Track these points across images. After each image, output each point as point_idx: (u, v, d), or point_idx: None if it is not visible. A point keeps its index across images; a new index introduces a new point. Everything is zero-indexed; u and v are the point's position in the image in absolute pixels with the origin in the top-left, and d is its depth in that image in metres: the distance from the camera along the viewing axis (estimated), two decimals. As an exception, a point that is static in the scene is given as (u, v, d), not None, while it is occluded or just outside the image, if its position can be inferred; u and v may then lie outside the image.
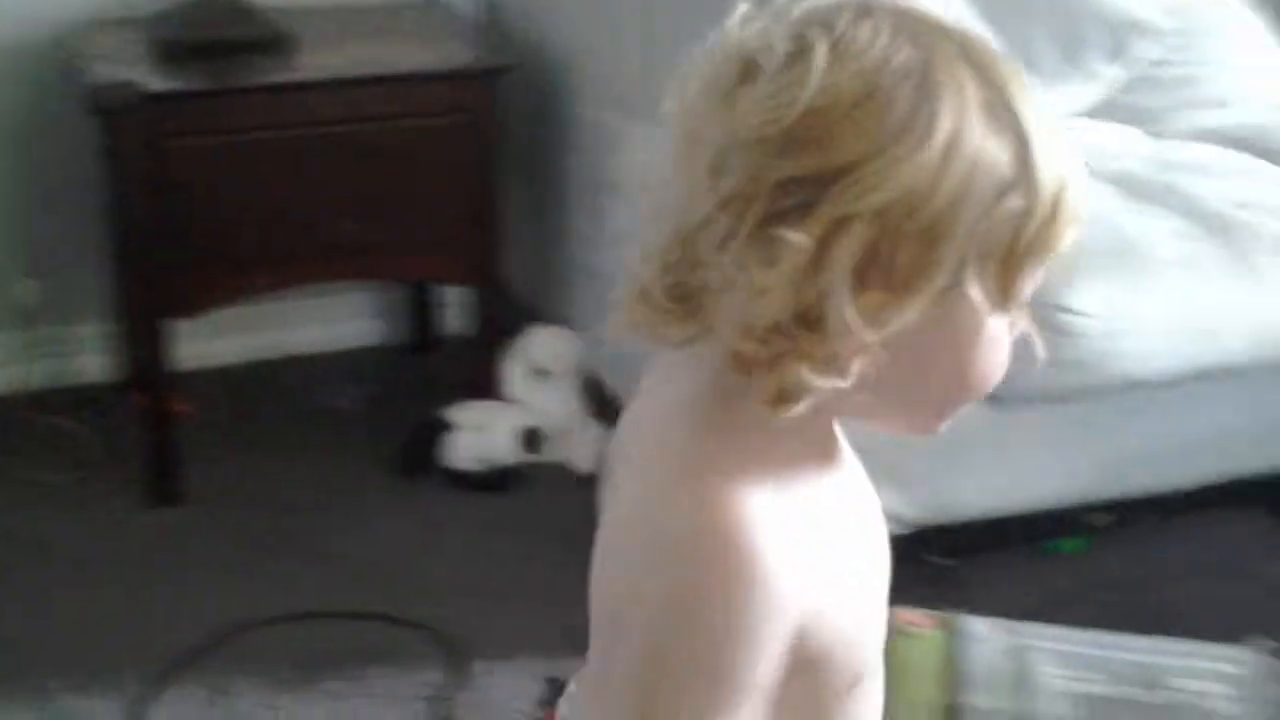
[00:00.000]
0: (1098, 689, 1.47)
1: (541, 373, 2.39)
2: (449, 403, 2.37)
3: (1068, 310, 1.84)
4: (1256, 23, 2.54)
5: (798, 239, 0.76)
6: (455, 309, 2.68)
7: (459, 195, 2.29)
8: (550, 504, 2.29)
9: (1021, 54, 2.31)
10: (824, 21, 0.79)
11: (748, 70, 0.79)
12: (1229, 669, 1.48)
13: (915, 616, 1.55)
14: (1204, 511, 2.18)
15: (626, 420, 0.95)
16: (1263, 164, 2.19)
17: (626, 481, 0.90)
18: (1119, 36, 2.35)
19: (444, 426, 2.34)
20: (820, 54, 0.77)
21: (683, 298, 0.83)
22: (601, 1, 2.29)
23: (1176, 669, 1.51)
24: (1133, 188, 2.09)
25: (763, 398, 0.80)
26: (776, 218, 0.77)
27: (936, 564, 2.05)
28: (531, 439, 2.35)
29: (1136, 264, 1.90)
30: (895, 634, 1.52)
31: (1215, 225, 1.96)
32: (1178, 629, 1.65)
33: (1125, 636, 1.58)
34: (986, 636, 1.53)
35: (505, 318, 2.47)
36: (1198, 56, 2.48)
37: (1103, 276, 1.87)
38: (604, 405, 2.38)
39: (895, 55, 0.78)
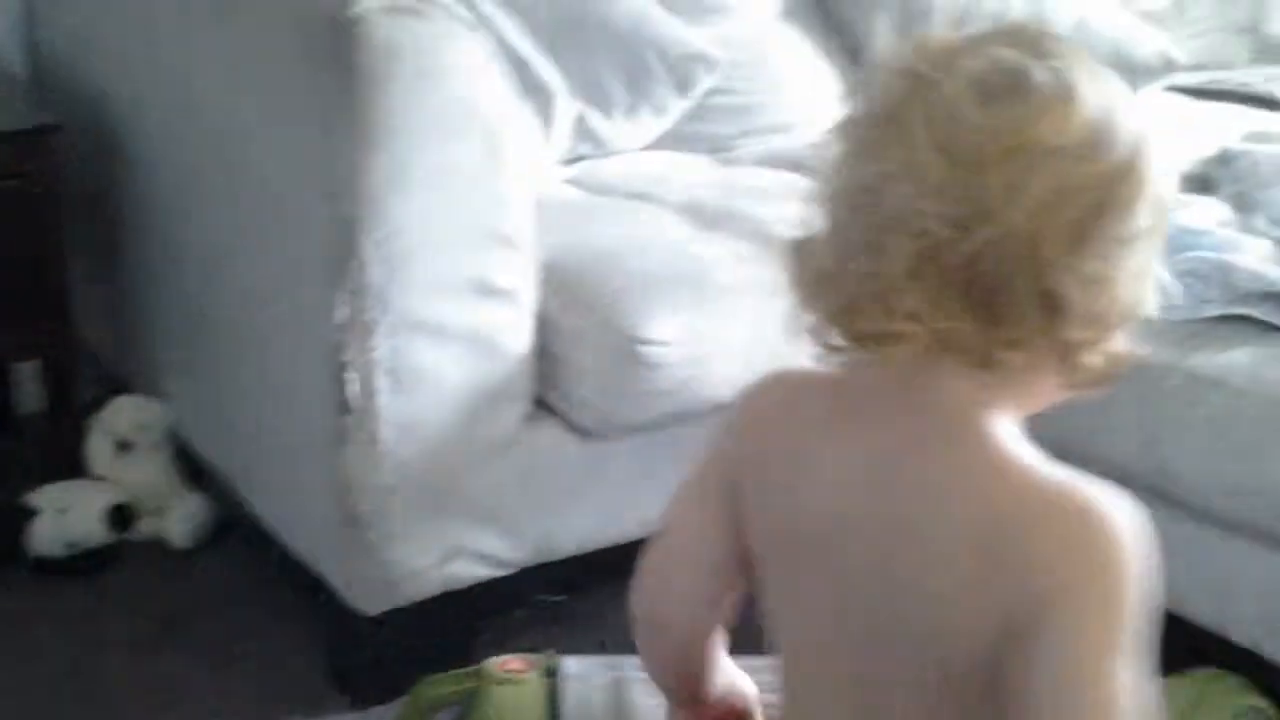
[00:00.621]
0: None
1: (127, 445, 2.28)
2: (30, 486, 2.24)
3: (647, 341, 1.87)
4: (808, 50, 2.66)
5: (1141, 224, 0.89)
6: (31, 385, 2.54)
7: (17, 264, 2.17)
8: (146, 583, 2.19)
9: (592, 89, 2.36)
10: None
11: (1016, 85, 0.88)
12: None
13: (515, 662, 1.54)
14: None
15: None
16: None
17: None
18: (685, 69, 2.42)
19: (26, 513, 2.21)
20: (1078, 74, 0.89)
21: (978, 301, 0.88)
22: (147, 54, 2.20)
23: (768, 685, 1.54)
24: (702, 215, 2.15)
25: (1085, 380, 0.91)
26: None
27: (547, 602, 2.06)
28: (120, 516, 2.24)
29: (709, 290, 1.95)
30: (495, 682, 1.51)
31: (775, 247, 2.02)
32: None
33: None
34: (585, 674, 1.54)
35: (89, 390, 2.36)
36: (761, 85, 2.58)
37: (678, 305, 1.92)
38: (197, 474, 2.29)
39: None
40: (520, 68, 2.24)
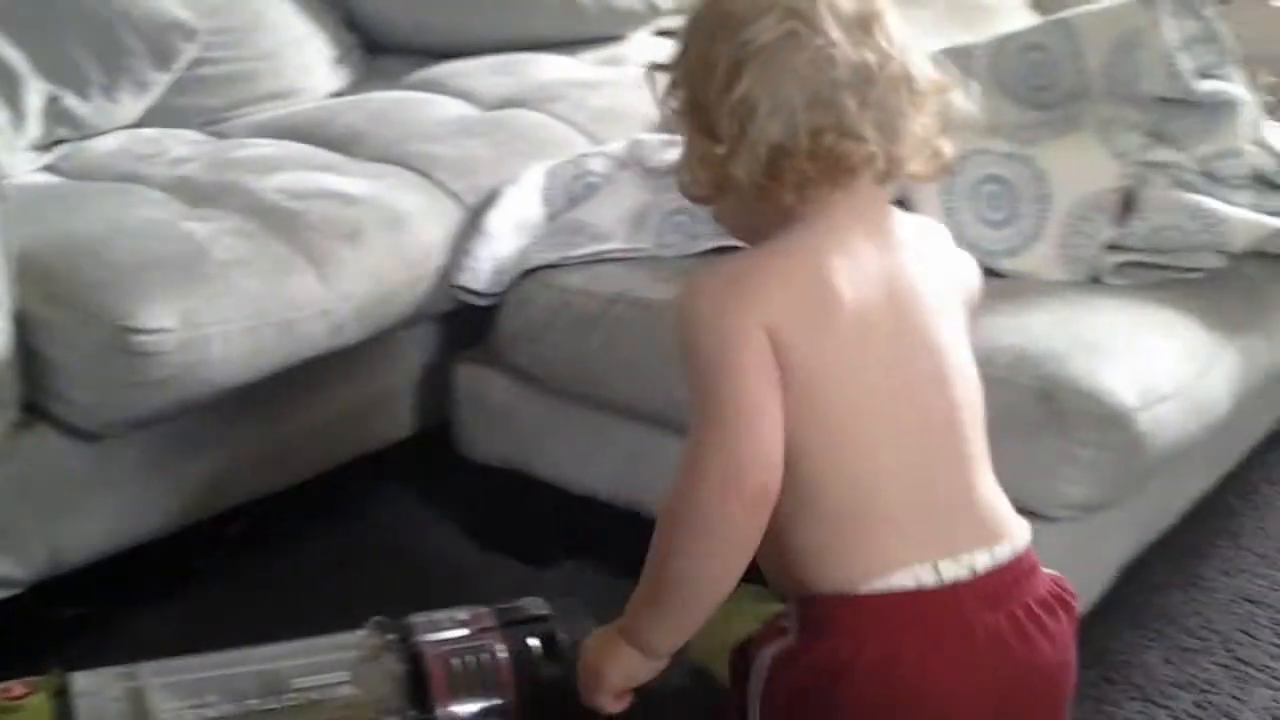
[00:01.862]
0: (215, 711, 1.43)
1: None
2: None
3: (139, 330, 1.77)
4: (297, 15, 2.59)
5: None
6: None
7: None
8: None
9: (63, 69, 2.22)
10: None
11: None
12: (349, 655, 1.48)
13: (16, 688, 1.42)
14: (341, 495, 2.20)
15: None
16: (321, 152, 2.23)
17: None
18: (162, 40, 2.31)
19: None
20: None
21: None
22: None
23: (299, 669, 1.49)
24: (194, 192, 2.05)
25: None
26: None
27: (65, 618, 1.93)
28: None
29: (205, 270, 1.86)
30: (-4, 714, 1.40)
31: (274, 220, 1.96)
32: (329, 623, 1.61)
33: (249, 650, 1.54)
34: (97, 688, 1.44)
35: None
36: (250, 54, 2.49)
37: (173, 289, 1.82)
38: None
39: None
40: (-23, 51, 2.08)
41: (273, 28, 2.55)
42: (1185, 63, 1.96)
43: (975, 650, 1.16)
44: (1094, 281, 1.90)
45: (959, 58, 2.10)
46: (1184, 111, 1.99)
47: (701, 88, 1.18)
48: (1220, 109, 1.97)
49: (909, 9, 3.35)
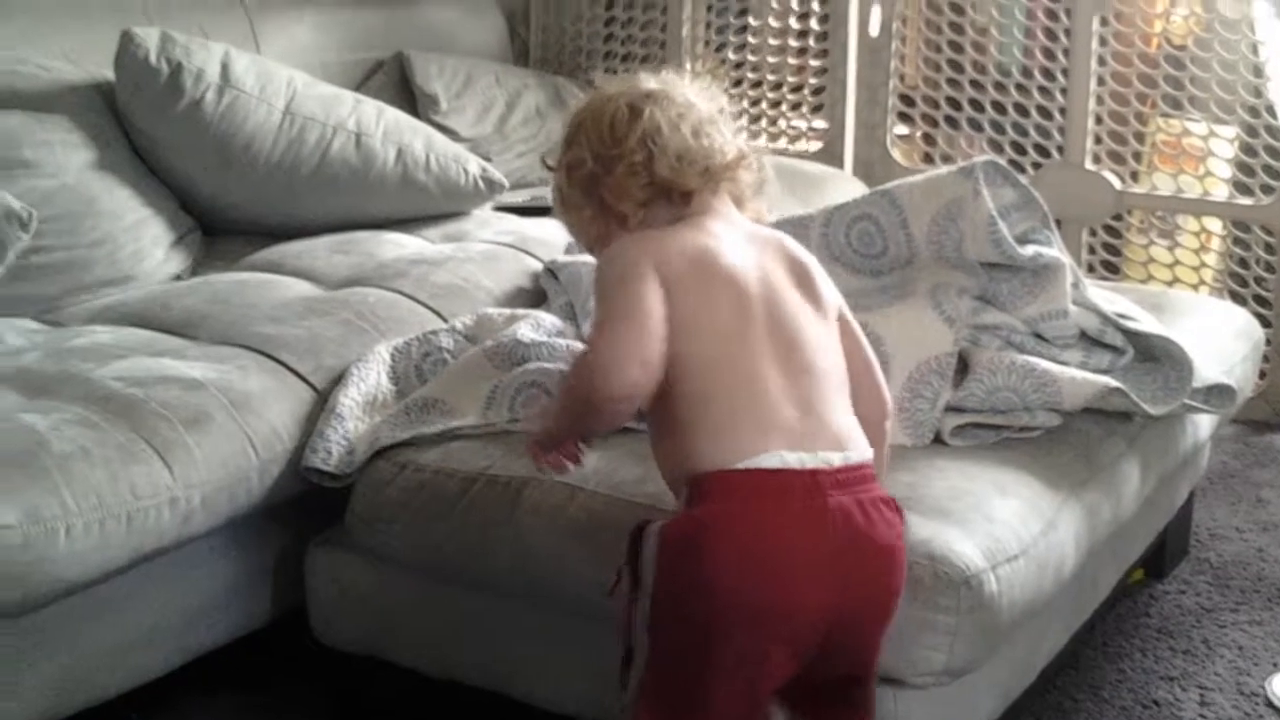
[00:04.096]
0: None
1: None
2: None
3: (-17, 527, 1.72)
4: (132, 200, 2.58)
5: None
6: None
7: None
8: None
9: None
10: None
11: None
12: None
13: None
14: (195, 688, 2.14)
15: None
16: (162, 337, 2.21)
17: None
18: (-5, 229, 2.28)
19: None
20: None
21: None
22: None
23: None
24: (31, 383, 2.01)
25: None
26: None
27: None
28: None
29: (45, 462, 1.81)
30: None
31: (115, 408, 1.93)
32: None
33: None
34: None
35: None
36: (84, 241, 2.47)
37: (13, 484, 1.77)
38: None
39: None
40: None
41: (107, 214, 2.52)
42: (1006, 228, 2.05)
43: (826, 519, 1.47)
44: (936, 443, 1.95)
45: (795, 228, 2.17)
46: (1009, 275, 2.07)
47: (606, 164, 1.63)
48: (1043, 272, 2.06)
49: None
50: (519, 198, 3.09)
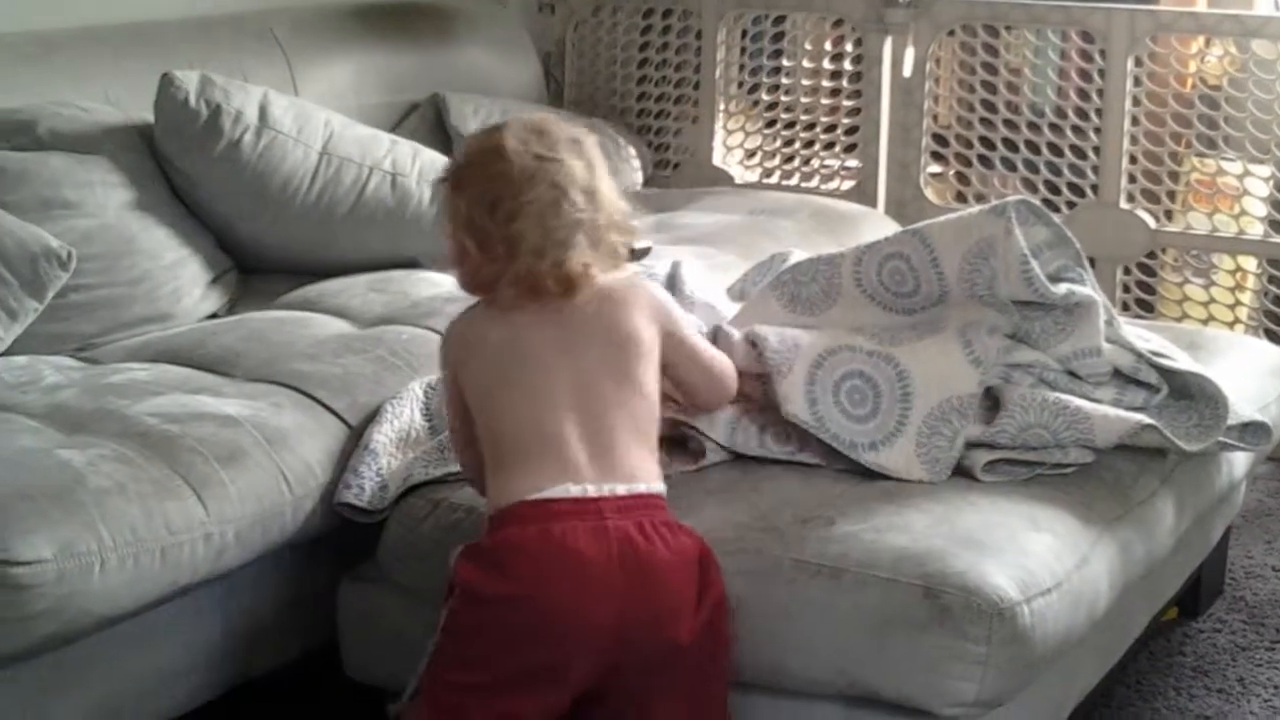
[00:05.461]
0: None
1: None
2: None
3: (16, 563, 1.73)
4: (170, 239, 2.61)
5: None
6: None
7: None
8: None
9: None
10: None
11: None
12: None
13: None
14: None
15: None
16: (198, 374, 2.23)
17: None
18: (35, 268, 2.30)
19: None
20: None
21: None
22: None
23: None
24: (68, 419, 2.03)
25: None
26: None
27: None
28: None
29: (81, 498, 1.83)
30: None
31: (151, 444, 1.95)
32: None
33: None
34: None
35: None
36: (122, 279, 2.49)
37: (49, 519, 1.79)
38: None
39: None
40: None
41: (145, 253, 2.55)
42: (1038, 267, 2.05)
43: (607, 538, 1.66)
44: (968, 479, 1.95)
45: (827, 266, 2.17)
46: (1041, 313, 2.07)
47: (482, 216, 1.75)
48: (1076, 310, 2.06)
49: (776, 218, 3.48)
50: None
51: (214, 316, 2.61)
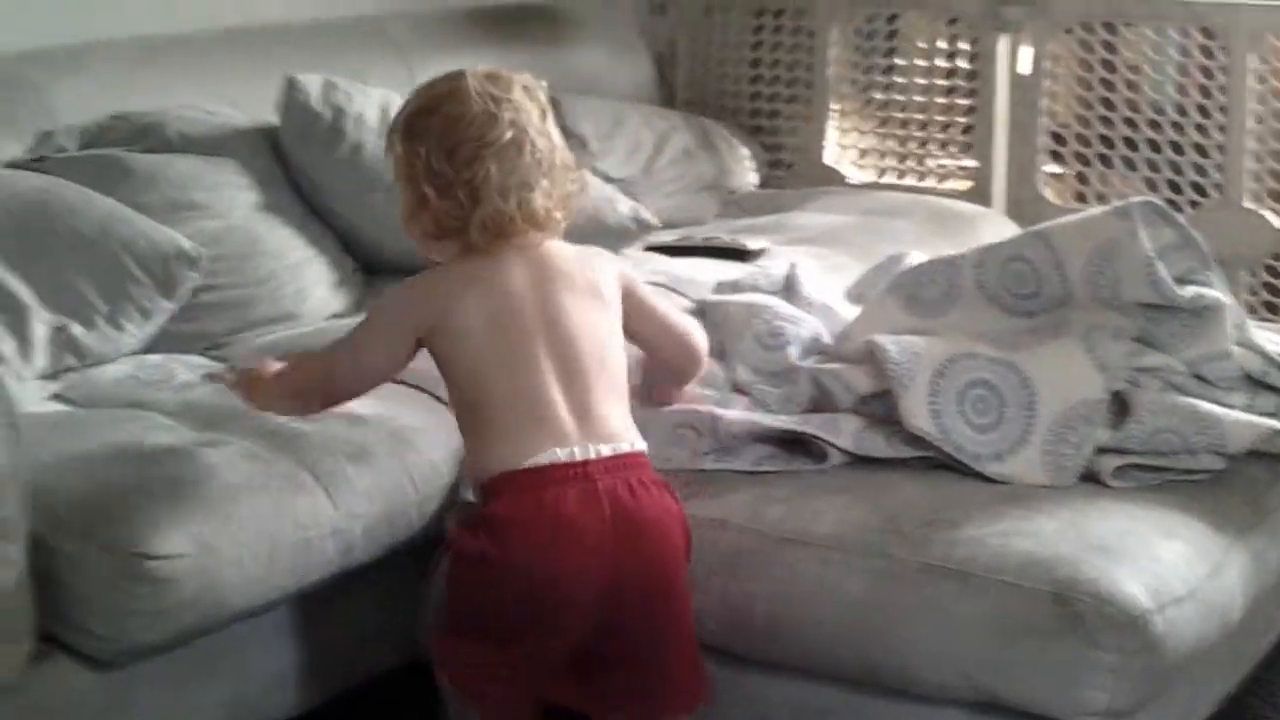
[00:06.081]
0: None
1: None
2: None
3: (155, 557, 1.78)
4: (295, 240, 2.65)
5: None
6: None
7: None
8: None
9: (67, 300, 2.26)
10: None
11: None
12: None
13: None
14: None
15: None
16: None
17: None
18: (167, 269, 2.35)
19: None
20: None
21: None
22: None
23: None
24: (201, 417, 2.07)
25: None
26: None
27: None
28: None
29: (215, 493, 1.87)
30: None
31: (280, 441, 1.99)
32: None
33: None
34: None
35: None
36: (250, 279, 2.54)
37: (185, 514, 1.83)
38: None
39: None
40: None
41: (271, 254, 2.59)
42: (1164, 270, 2.03)
43: (597, 496, 1.71)
44: (1096, 484, 1.93)
45: (947, 268, 2.16)
46: (1168, 317, 2.04)
47: (440, 162, 1.76)
48: (1204, 313, 2.03)
49: (892, 219, 3.46)
50: (668, 237, 3.12)
51: (339, 317, 2.65)
